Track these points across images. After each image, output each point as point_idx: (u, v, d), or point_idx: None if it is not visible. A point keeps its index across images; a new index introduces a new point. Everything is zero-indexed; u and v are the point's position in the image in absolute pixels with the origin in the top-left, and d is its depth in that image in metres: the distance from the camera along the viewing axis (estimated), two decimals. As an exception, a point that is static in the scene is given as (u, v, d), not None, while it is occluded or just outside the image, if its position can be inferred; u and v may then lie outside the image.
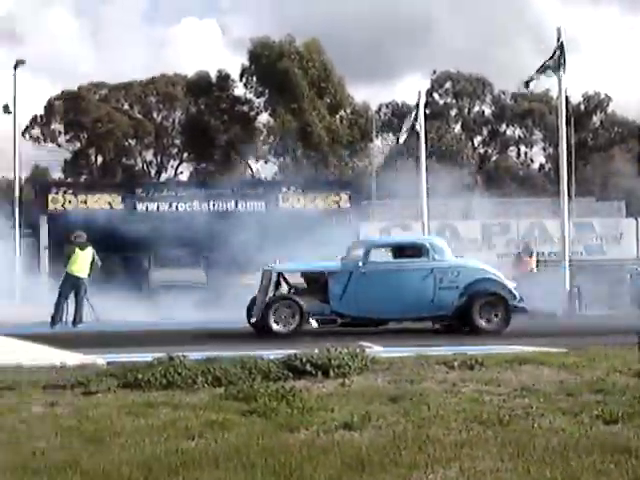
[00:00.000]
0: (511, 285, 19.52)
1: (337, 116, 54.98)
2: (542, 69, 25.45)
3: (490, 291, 19.21)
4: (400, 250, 19.97)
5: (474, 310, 18.88)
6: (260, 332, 18.73)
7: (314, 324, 18.79)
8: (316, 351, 10.74)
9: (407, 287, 19.04)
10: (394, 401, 8.94)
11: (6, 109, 34.70)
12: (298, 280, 19.96)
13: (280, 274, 19.76)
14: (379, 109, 61.53)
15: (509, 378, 10.15)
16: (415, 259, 19.38)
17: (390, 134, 60.23)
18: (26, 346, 12.31)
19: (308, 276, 19.85)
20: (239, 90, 56.41)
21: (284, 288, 19.83)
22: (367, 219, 34.76)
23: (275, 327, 18.56)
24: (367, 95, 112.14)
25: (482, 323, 18.91)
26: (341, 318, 19.14)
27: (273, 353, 11.66)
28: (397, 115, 59.61)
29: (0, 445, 7.34)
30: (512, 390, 9.46)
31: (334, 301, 19.10)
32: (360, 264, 19.16)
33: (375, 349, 14.01)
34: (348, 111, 55.58)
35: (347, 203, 35.51)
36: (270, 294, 19.24)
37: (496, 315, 18.99)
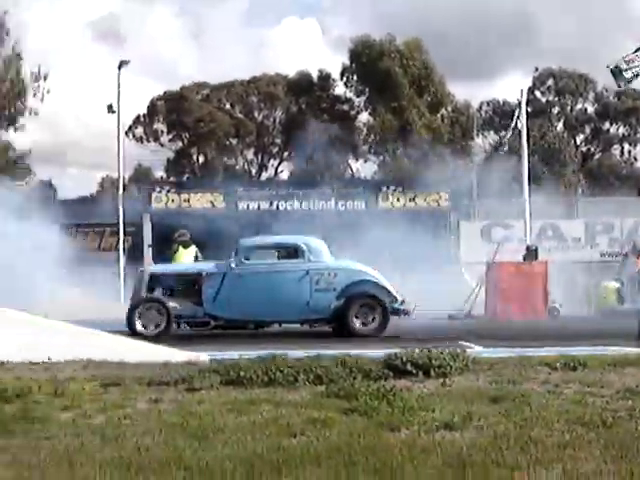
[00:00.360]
0: (391, 287, 19.04)
1: (438, 114, 54.68)
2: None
3: (368, 293, 18.79)
4: (278, 251, 19.60)
5: (350, 313, 18.52)
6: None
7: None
8: (417, 351, 10.72)
9: (282, 289, 18.69)
10: (495, 402, 8.88)
11: (110, 109, 35.25)
12: None
13: (153, 275, 19.65)
14: (480, 107, 60.97)
15: (613, 380, 9.99)
16: (290, 260, 19.06)
17: (491, 132, 59.72)
18: (130, 343, 12.51)
19: (184, 278, 19.62)
20: (339, 89, 56.51)
21: (160, 290, 19.63)
22: (468, 218, 34.54)
23: (140, 329, 18.40)
24: (467, 93, 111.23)
25: (358, 326, 18.54)
26: (214, 320, 18.91)
27: (373, 352, 11.68)
28: (498, 113, 59.05)
29: (106, 441, 7.49)
30: (615, 392, 9.31)
31: (207, 303, 18.88)
32: (233, 265, 18.89)
33: (476, 349, 13.93)
34: (449, 109, 55.24)
35: (447, 202, 35.32)
36: (143, 296, 19.19)
37: (373, 318, 18.61)
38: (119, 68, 35.16)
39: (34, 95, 46.83)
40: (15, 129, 47.28)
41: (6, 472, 6.54)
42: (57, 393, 9.51)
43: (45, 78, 46.90)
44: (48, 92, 47.06)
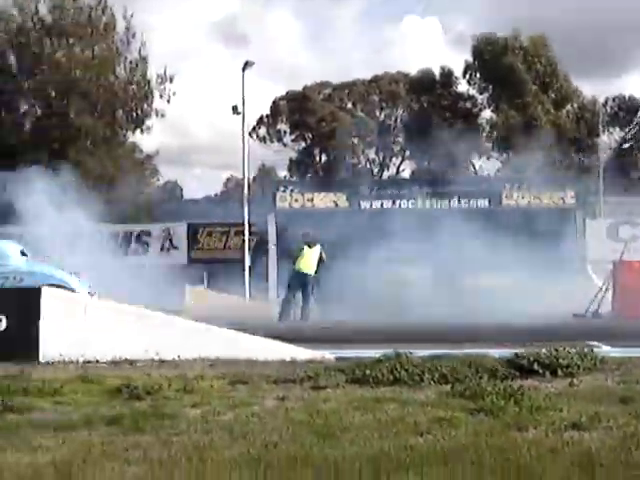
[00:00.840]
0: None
1: (563, 111, 53.89)
2: None
3: None
4: None
5: None
6: None
7: None
8: (543, 350, 10.61)
9: None
10: (624, 402, 8.74)
11: (235, 110, 35.62)
12: None
13: None
14: (605, 103, 59.86)
15: None
16: None
17: (617, 128, 58.55)
18: (256, 340, 12.65)
19: None
20: (462, 87, 56.18)
21: None
22: (593, 217, 33.96)
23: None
24: (593, 90, 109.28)
25: None
26: None
27: (499, 352, 11.59)
28: (624, 109, 57.88)
29: (234, 437, 7.60)
30: None
31: None
32: None
33: (604, 349, 13.69)
34: (575, 106, 54.39)
35: (573, 200, 34.76)
36: None
37: None
38: (243, 69, 35.52)
39: (160, 97, 47.75)
40: (142, 131, 48.24)
41: (138, 468, 6.69)
42: (186, 390, 9.70)
43: (171, 80, 47.78)
44: (174, 94, 47.93)
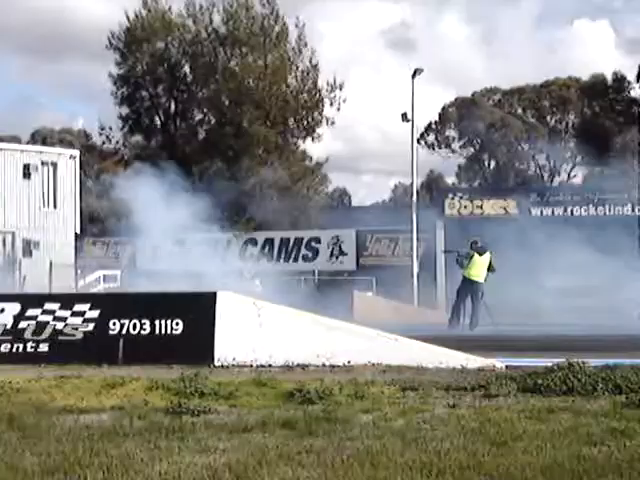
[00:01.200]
0: None
1: None
2: None
3: None
4: None
5: None
6: None
7: None
8: None
9: None
10: None
11: (405, 117, 35.70)
12: None
13: None
14: None
15: None
16: None
17: None
18: (426, 347, 12.67)
19: None
20: (635, 91, 54.87)
21: None
22: None
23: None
24: None
25: None
26: None
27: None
28: None
29: (406, 443, 7.65)
30: None
31: None
32: None
33: None
34: None
35: None
36: None
37: None
38: (413, 76, 35.58)
39: (331, 105, 48.26)
40: (312, 139, 48.83)
41: (312, 472, 6.79)
42: (357, 395, 9.81)
43: (341, 88, 48.27)
44: (344, 101, 48.40)
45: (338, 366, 12.08)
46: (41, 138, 62.35)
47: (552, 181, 61.05)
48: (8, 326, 13.10)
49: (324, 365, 12.17)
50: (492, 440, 7.65)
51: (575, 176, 61.67)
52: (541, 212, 34.02)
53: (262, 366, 12.28)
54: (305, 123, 48.14)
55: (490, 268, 22.09)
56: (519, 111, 62.81)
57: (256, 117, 46.78)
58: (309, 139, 48.72)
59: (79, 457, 7.20)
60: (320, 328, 12.75)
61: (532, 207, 34.27)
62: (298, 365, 12.24)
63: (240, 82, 47.07)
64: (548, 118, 62.46)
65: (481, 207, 34.09)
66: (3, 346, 13.01)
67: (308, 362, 12.27)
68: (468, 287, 22.25)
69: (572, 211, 33.92)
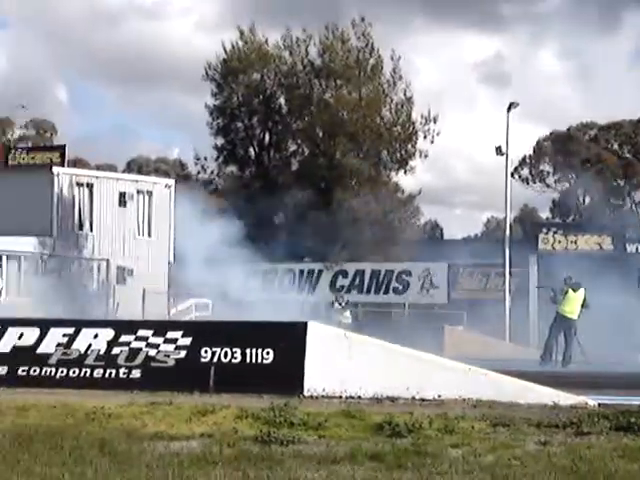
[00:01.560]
0: None
1: None
2: None
3: None
4: None
5: None
6: None
7: None
8: None
9: None
10: None
11: (499, 151, 35.53)
12: None
13: None
14: None
15: None
16: None
17: None
18: (518, 383, 12.53)
19: None
20: None
21: None
22: None
23: None
24: None
25: None
26: None
27: None
28: None
29: None
30: None
31: None
32: None
33: None
34: None
35: None
36: None
37: None
38: (508, 110, 35.43)
39: (424, 138, 48.24)
40: (405, 171, 48.81)
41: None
42: (447, 430, 9.73)
43: (435, 120, 48.23)
44: (438, 134, 48.35)
45: (428, 400, 12.01)
46: (137, 167, 63.43)
47: (647, 218, 60.14)
48: (101, 352, 13.30)
49: (414, 398, 12.10)
50: (584, 478, 7.54)
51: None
52: (637, 249, 33.47)
53: (351, 397, 12.26)
54: (398, 155, 48.17)
55: (584, 304, 21.81)
56: (615, 146, 62.05)
57: (349, 149, 46.99)
58: (402, 171, 48.74)
59: (169, 484, 7.28)
60: (410, 361, 12.70)
61: (627, 243, 33.75)
62: (387, 398, 12.20)
63: (334, 114, 47.33)
64: (645, 153, 61.62)
65: (575, 242, 33.68)
66: (96, 371, 13.21)
67: (398, 395, 12.21)
68: (561, 323, 22.00)
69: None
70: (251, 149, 51.73)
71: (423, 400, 12.03)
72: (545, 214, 63.43)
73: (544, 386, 12.57)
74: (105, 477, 7.54)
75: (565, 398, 12.04)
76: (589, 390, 13.55)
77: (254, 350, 12.91)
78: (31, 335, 13.62)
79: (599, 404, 11.80)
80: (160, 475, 7.60)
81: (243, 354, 12.93)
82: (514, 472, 7.83)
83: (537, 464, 8.19)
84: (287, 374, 12.74)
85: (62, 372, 13.28)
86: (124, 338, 13.33)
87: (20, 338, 13.65)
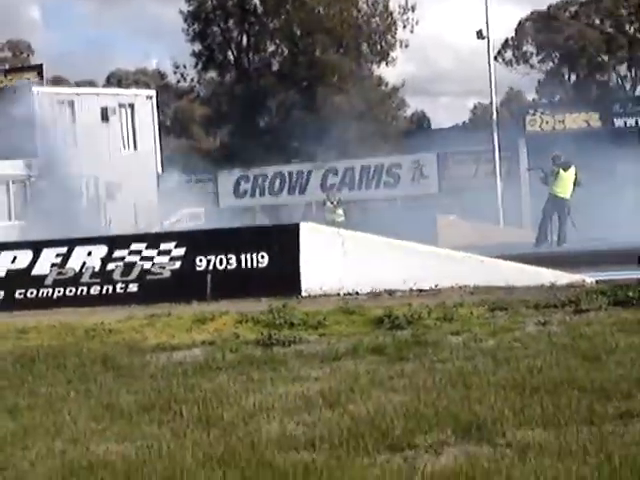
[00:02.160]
0: None
1: None
2: None
3: None
4: None
5: None
6: None
7: None
8: None
9: None
10: None
11: (480, 34, 35.05)
12: None
13: None
14: None
15: None
16: None
17: None
18: (514, 266, 12.54)
19: None
20: None
21: None
22: None
23: None
24: None
25: None
26: None
27: None
28: None
29: (498, 363, 7.61)
30: None
31: None
32: None
33: None
34: None
35: None
36: None
37: None
38: (487, -7, 34.87)
39: (404, 27, 47.65)
40: (387, 63, 48.32)
41: (404, 396, 6.78)
42: (446, 318, 9.78)
43: (413, 9, 47.57)
44: (417, 23, 47.75)
45: (425, 290, 12.05)
46: (116, 81, 62.68)
47: (635, 91, 59.79)
48: (96, 269, 13.30)
49: (411, 290, 12.14)
50: (585, 355, 7.58)
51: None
52: (625, 123, 33.30)
53: (349, 294, 12.30)
54: (378, 47, 47.63)
55: (576, 182, 21.69)
56: (597, 22, 61.41)
57: (329, 45, 46.42)
58: (383, 64, 48.23)
59: (174, 393, 7.30)
60: (406, 253, 12.70)
61: (615, 118, 33.55)
62: (385, 291, 12.23)
63: (310, 10, 46.65)
64: (627, 27, 60.99)
65: (563, 122, 33.45)
66: (93, 288, 13.23)
67: (395, 288, 12.25)
68: (554, 204, 21.92)
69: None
70: (229, 53, 51.04)
71: (421, 291, 12.07)
72: (531, 96, 62.97)
73: (541, 267, 12.60)
74: (110, 392, 7.56)
75: (562, 277, 12.07)
76: (586, 268, 13.58)
77: (249, 255, 12.93)
78: (24, 257, 13.59)
79: (597, 281, 11.84)
80: (165, 385, 7.63)
81: (238, 260, 12.95)
82: (515, 354, 7.87)
83: (538, 344, 8.24)
84: (283, 276, 12.77)
85: (59, 292, 13.31)
86: (118, 253, 13.32)
87: (14, 262, 13.63)
